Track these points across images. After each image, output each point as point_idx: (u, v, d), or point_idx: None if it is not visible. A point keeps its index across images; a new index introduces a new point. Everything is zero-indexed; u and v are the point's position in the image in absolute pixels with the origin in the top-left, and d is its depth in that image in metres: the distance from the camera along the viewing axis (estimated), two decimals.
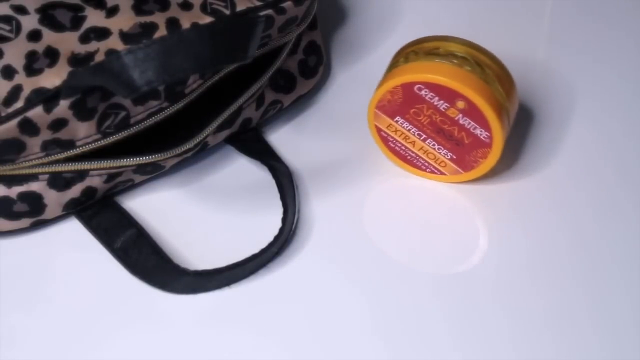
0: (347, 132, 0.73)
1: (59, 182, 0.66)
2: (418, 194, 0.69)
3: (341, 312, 0.63)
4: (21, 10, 0.65)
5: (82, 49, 0.64)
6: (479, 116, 0.65)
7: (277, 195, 0.69)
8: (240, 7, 0.67)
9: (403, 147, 0.68)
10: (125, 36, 0.64)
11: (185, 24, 0.66)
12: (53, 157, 0.64)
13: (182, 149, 0.68)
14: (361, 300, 0.64)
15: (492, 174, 0.70)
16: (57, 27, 0.65)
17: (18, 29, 0.65)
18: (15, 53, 0.63)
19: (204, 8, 0.66)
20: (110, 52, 0.64)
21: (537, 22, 0.80)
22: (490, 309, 0.63)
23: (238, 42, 0.59)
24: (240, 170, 0.71)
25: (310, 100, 0.76)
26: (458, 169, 0.68)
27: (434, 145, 0.67)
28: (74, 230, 0.68)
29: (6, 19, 0.65)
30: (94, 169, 0.66)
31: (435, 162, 0.68)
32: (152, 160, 0.67)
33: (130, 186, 0.70)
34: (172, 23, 0.65)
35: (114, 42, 0.64)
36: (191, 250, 0.67)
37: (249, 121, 0.71)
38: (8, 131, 0.62)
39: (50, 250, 0.67)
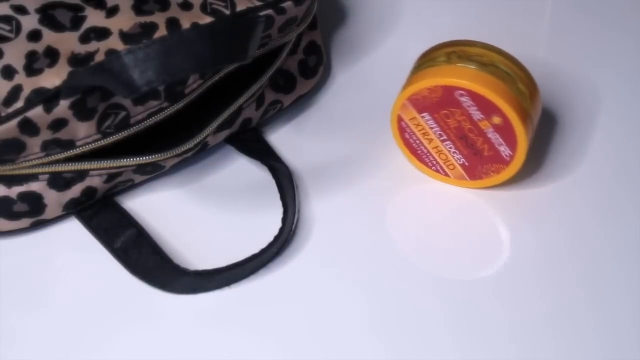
0: (347, 132, 0.73)
1: (59, 182, 0.66)
2: (421, 194, 0.69)
3: (341, 313, 0.63)
4: (21, 10, 0.65)
5: (82, 49, 0.64)
6: (509, 136, 0.65)
7: (277, 195, 0.69)
8: (240, 7, 0.67)
9: (417, 142, 0.67)
10: (125, 36, 0.64)
11: (185, 24, 0.66)
12: (53, 157, 0.64)
13: (182, 149, 0.67)
14: (361, 300, 0.64)
15: (513, 180, 0.69)
16: (57, 27, 0.65)
17: (18, 29, 0.65)
18: (15, 53, 0.63)
19: (204, 8, 0.66)
20: (111, 52, 0.64)
21: (537, 21, 0.80)
22: (494, 315, 0.63)
23: (238, 42, 0.59)
24: (240, 170, 0.71)
25: (310, 100, 0.76)
26: (465, 175, 0.68)
27: (450, 147, 0.67)
28: (74, 230, 0.68)
29: (6, 19, 0.65)
30: (94, 169, 0.66)
31: (444, 163, 0.68)
32: (152, 160, 0.67)
33: (130, 186, 0.70)
34: (172, 23, 0.65)
35: (114, 42, 0.64)
36: (191, 250, 0.67)
37: (249, 121, 0.71)
38: (8, 131, 0.62)
39: (50, 250, 0.67)
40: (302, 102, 0.75)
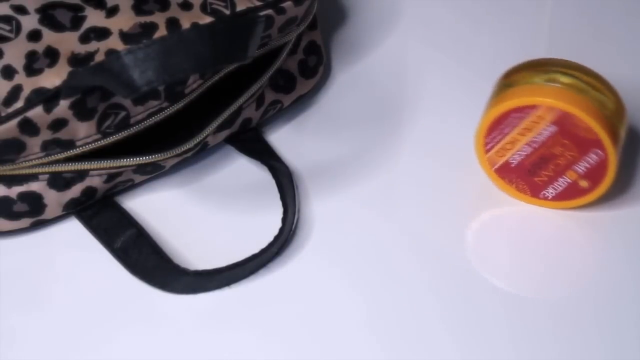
0: (347, 132, 0.73)
1: (59, 182, 0.66)
2: (422, 194, 0.69)
3: (340, 313, 0.63)
4: (21, 10, 0.65)
5: (82, 49, 0.64)
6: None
7: (277, 195, 0.69)
8: (240, 7, 0.67)
9: (505, 133, 0.65)
10: (125, 36, 0.64)
11: (185, 24, 0.65)
12: (53, 157, 0.64)
13: (182, 149, 0.67)
14: (360, 300, 0.64)
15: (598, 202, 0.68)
16: (57, 27, 0.65)
17: (18, 29, 0.65)
18: (15, 53, 0.63)
19: (204, 8, 0.66)
20: (110, 52, 0.64)
21: (537, 21, 0.80)
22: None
23: (238, 42, 0.59)
24: (240, 170, 0.71)
25: (310, 100, 0.76)
26: (523, 191, 0.67)
27: (523, 151, 0.66)
28: (74, 230, 0.68)
29: (6, 19, 0.65)
30: (94, 169, 0.66)
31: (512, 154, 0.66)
32: (152, 160, 0.67)
33: (130, 186, 0.70)
34: (172, 23, 0.65)
35: (114, 42, 0.64)
36: (191, 250, 0.67)
37: (249, 121, 0.71)
38: (8, 131, 0.62)
39: (50, 250, 0.67)
40: (302, 102, 0.75)
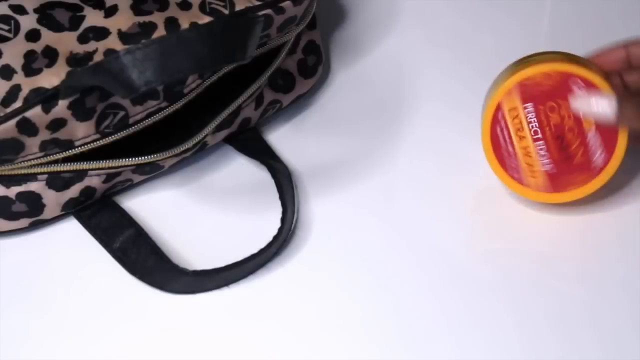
0: (346, 131, 0.73)
1: (57, 182, 0.66)
2: (420, 194, 0.69)
3: (340, 312, 0.63)
4: (20, 9, 0.65)
5: (81, 48, 0.64)
6: (610, 140, 0.63)
7: (276, 195, 0.69)
8: (239, 7, 0.67)
9: (506, 139, 0.63)
10: (124, 36, 0.64)
11: (184, 23, 0.65)
12: (52, 157, 0.64)
13: (181, 149, 0.67)
14: (359, 300, 0.64)
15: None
16: (55, 27, 0.65)
17: (17, 28, 0.64)
18: (14, 53, 0.63)
19: (202, 8, 0.66)
20: (109, 52, 0.64)
21: (536, 20, 0.80)
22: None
23: (237, 42, 0.59)
24: (240, 170, 0.71)
25: (310, 99, 0.76)
26: (547, 185, 0.64)
27: (541, 149, 0.63)
28: (73, 230, 0.68)
29: (5, 19, 0.65)
30: (92, 169, 0.66)
31: (528, 168, 0.64)
32: (151, 160, 0.67)
33: (129, 186, 0.70)
34: (171, 23, 0.65)
35: (113, 42, 0.64)
36: (190, 250, 0.67)
37: (248, 121, 0.71)
38: (7, 131, 0.62)
39: (49, 250, 0.67)
40: (301, 102, 0.75)
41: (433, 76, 0.76)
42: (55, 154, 0.64)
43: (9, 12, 0.65)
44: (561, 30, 0.80)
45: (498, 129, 0.64)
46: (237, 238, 0.67)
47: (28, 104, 0.62)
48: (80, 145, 0.65)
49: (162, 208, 0.69)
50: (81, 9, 0.65)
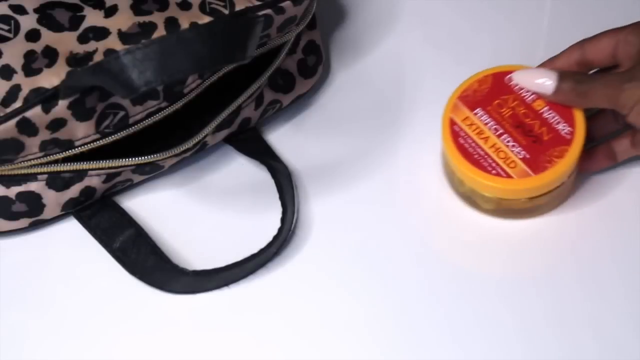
0: (346, 131, 0.73)
1: (57, 182, 0.66)
2: (420, 193, 0.69)
3: (339, 312, 0.63)
4: (20, 9, 0.65)
5: (81, 48, 0.64)
6: (564, 110, 0.65)
7: (276, 195, 0.69)
8: (239, 7, 0.67)
9: (473, 144, 0.65)
10: (124, 36, 0.64)
11: (184, 23, 0.65)
12: (52, 157, 0.64)
13: (181, 149, 0.67)
14: (359, 300, 0.64)
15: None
16: (55, 27, 0.65)
17: (17, 28, 0.64)
18: (14, 53, 0.63)
19: (202, 8, 0.66)
20: (109, 52, 0.64)
21: (536, 20, 0.80)
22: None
23: (237, 42, 0.59)
24: (240, 170, 0.71)
25: (310, 100, 0.76)
26: (528, 170, 0.64)
27: (508, 141, 0.65)
28: (72, 230, 0.68)
29: (5, 19, 0.65)
30: (92, 169, 0.66)
31: (504, 162, 0.64)
32: (151, 160, 0.67)
33: (129, 186, 0.70)
34: (171, 23, 0.65)
35: (113, 42, 0.64)
36: (190, 250, 0.67)
37: (248, 121, 0.71)
38: (6, 131, 0.62)
39: (49, 251, 0.67)
40: (301, 102, 0.75)
41: (433, 76, 0.76)
42: (55, 154, 0.64)
43: (9, 12, 0.65)
44: (561, 31, 0.80)
45: (461, 140, 0.65)
46: (237, 238, 0.67)
47: (28, 104, 0.62)
48: (80, 145, 0.65)
49: (162, 208, 0.69)
50: (81, 9, 0.65)
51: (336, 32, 0.80)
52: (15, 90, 0.62)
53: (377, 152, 0.72)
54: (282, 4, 0.67)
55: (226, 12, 0.67)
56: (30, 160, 0.64)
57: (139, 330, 0.63)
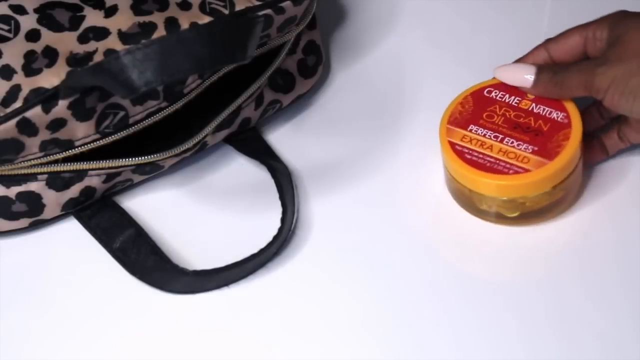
0: (346, 131, 0.73)
1: (57, 182, 0.66)
2: (420, 193, 0.69)
3: (340, 312, 0.63)
4: (20, 10, 0.65)
5: (81, 48, 0.64)
6: (551, 101, 0.67)
7: (276, 195, 0.69)
8: (239, 7, 0.67)
9: (481, 155, 0.65)
10: (124, 36, 0.64)
11: (184, 23, 0.65)
12: (52, 157, 0.64)
13: (181, 149, 0.67)
14: (360, 300, 0.64)
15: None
16: (55, 27, 0.65)
17: (17, 28, 0.64)
18: (14, 53, 0.63)
19: (202, 8, 0.66)
20: (109, 52, 0.64)
21: (536, 20, 0.80)
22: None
23: (237, 42, 0.59)
24: (240, 170, 0.71)
25: (310, 100, 0.76)
26: (542, 159, 0.65)
27: (512, 143, 0.66)
28: (72, 230, 0.68)
29: (5, 19, 0.65)
30: (92, 169, 0.66)
31: (517, 160, 0.65)
32: (151, 160, 0.67)
33: (129, 186, 0.70)
34: (171, 23, 0.65)
35: (113, 42, 0.64)
36: (190, 250, 0.67)
37: (248, 121, 0.71)
38: (7, 131, 0.62)
39: (49, 250, 0.67)
40: (301, 102, 0.75)
41: (433, 76, 0.76)
42: (55, 154, 0.64)
43: (9, 12, 0.65)
44: (561, 31, 0.80)
45: (467, 156, 0.66)
46: (237, 238, 0.67)
47: (28, 104, 0.62)
48: (80, 145, 0.65)
49: (162, 208, 0.69)
50: (81, 9, 0.65)
51: (336, 32, 0.80)
52: (15, 90, 0.62)
53: (377, 152, 0.72)
54: (282, 4, 0.67)
55: (226, 12, 0.67)
56: (30, 160, 0.64)
57: (139, 330, 0.63)
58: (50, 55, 0.63)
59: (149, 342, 0.62)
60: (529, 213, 0.66)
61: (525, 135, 0.66)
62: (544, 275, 0.65)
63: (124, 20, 0.65)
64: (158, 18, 0.65)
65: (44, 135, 0.63)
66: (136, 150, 0.67)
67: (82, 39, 0.64)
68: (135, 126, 0.66)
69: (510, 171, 0.64)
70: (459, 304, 0.63)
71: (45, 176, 0.65)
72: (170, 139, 0.68)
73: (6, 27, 0.64)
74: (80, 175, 0.66)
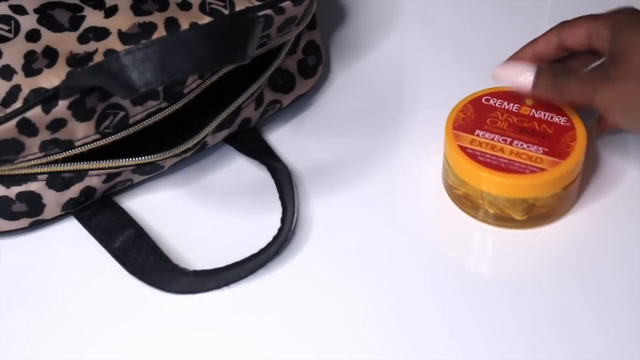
0: (346, 131, 0.73)
1: (57, 182, 0.66)
2: (419, 193, 0.69)
3: (339, 312, 0.63)
4: (20, 10, 0.65)
5: (81, 49, 0.64)
6: (549, 106, 0.67)
7: (276, 195, 0.69)
8: (239, 7, 0.67)
9: (494, 157, 0.66)
10: (124, 36, 0.64)
11: (184, 24, 0.65)
12: (52, 157, 0.64)
13: (181, 149, 0.67)
14: (359, 300, 0.64)
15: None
16: (55, 27, 0.65)
17: (17, 28, 0.64)
18: (14, 53, 0.63)
19: (202, 8, 0.66)
20: (109, 53, 0.64)
21: (536, 21, 0.80)
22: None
23: (237, 42, 0.59)
24: (240, 170, 0.71)
25: (310, 100, 0.76)
26: (556, 159, 0.65)
27: (522, 145, 0.66)
28: (72, 230, 0.68)
29: (5, 19, 0.65)
30: (92, 169, 0.66)
31: (530, 160, 0.65)
32: (151, 160, 0.67)
33: (129, 186, 0.70)
34: (171, 23, 0.65)
35: (113, 42, 0.64)
36: (190, 250, 0.67)
37: (248, 121, 0.71)
38: (7, 131, 0.62)
39: (49, 251, 0.67)
40: (301, 102, 0.75)
41: (433, 76, 0.77)
42: (55, 154, 0.64)
43: (9, 12, 0.65)
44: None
45: (480, 158, 0.66)
46: (237, 238, 0.67)
47: (28, 104, 0.62)
48: (80, 146, 0.65)
49: (162, 208, 0.69)
50: (81, 9, 0.65)
51: (336, 32, 0.80)
52: (15, 90, 0.62)
53: (377, 152, 0.72)
54: (282, 4, 0.67)
55: (226, 12, 0.67)
56: (30, 160, 0.64)
57: (139, 330, 0.63)
58: (51, 55, 0.63)
59: (149, 342, 0.62)
60: (535, 217, 0.66)
61: (533, 138, 0.66)
62: (544, 275, 0.65)
63: (124, 20, 0.65)
64: (158, 18, 0.65)
65: (44, 135, 0.63)
66: (136, 150, 0.67)
67: (82, 39, 0.64)
68: (135, 126, 0.66)
69: (527, 170, 0.65)
70: (459, 304, 0.63)
71: (45, 176, 0.65)
72: (170, 139, 0.68)
73: (6, 28, 0.64)
74: (81, 175, 0.66)
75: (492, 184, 0.65)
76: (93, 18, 0.65)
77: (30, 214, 0.66)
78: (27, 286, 0.65)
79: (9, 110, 0.62)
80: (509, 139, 0.66)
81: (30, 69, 0.63)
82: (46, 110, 0.62)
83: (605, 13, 0.66)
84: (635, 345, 0.61)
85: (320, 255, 0.66)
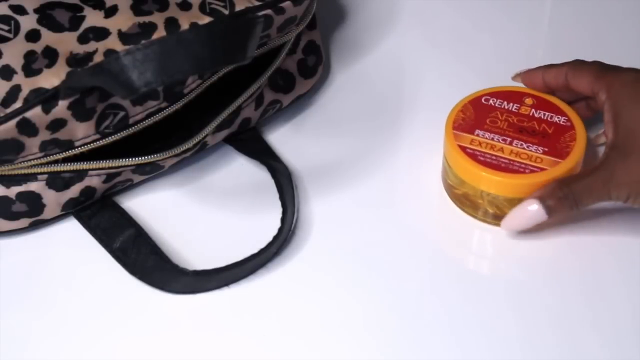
0: (346, 131, 0.73)
1: (57, 182, 0.66)
2: (419, 193, 0.69)
3: (340, 313, 0.63)
4: (20, 10, 0.65)
5: (81, 49, 0.64)
6: (549, 106, 0.68)
7: (276, 195, 0.69)
8: (239, 7, 0.67)
9: (494, 157, 0.66)
10: (124, 36, 0.64)
11: (184, 24, 0.65)
12: (52, 157, 0.64)
13: (181, 149, 0.67)
14: (360, 300, 0.64)
15: None
16: (55, 27, 0.65)
17: (17, 29, 0.65)
18: (14, 53, 0.63)
19: (202, 8, 0.66)
20: (109, 53, 0.64)
21: (536, 21, 0.80)
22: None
23: (237, 42, 0.59)
24: (240, 170, 0.71)
25: (310, 100, 0.76)
26: (556, 159, 0.65)
27: (522, 145, 0.66)
28: (72, 230, 0.68)
29: (5, 19, 0.65)
30: (92, 169, 0.66)
31: (530, 160, 0.65)
32: (151, 160, 0.67)
33: (129, 186, 0.70)
34: (171, 23, 0.65)
35: (113, 43, 0.64)
36: (190, 250, 0.67)
37: (248, 121, 0.71)
38: (7, 132, 0.62)
39: (49, 251, 0.67)
40: (301, 102, 0.75)
41: (433, 76, 0.77)
42: (55, 154, 0.64)
43: (9, 13, 0.65)
44: (561, 31, 0.80)
45: (480, 158, 0.66)
46: (237, 238, 0.67)
47: (28, 105, 0.62)
48: (80, 146, 0.65)
49: (162, 208, 0.69)
50: (81, 9, 0.66)
51: (336, 32, 0.80)
52: (15, 90, 0.62)
53: (377, 153, 0.72)
54: (282, 4, 0.67)
55: (226, 12, 0.67)
56: (30, 160, 0.64)
57: (139, 330, 0.63)
58: (50, 55, 0.63)
59: (149, 342, 0.62)
60: None
61: (533, 138, 0.66)
62: (543, 275, 0.65)
63: (124, 20, 0.65)
64: (158, 18, 0.65)
65: (44, 135, 0.63)
66: (136, 150, 0.67)
67: (82, 39, 0.64)
68: (135, 126, 0.66)
69: (527, 170, 0.65)
70: (458, 304, 0.63)
71: (45, 176, 0.65)
72: (170, 139, 0.68)
73: (6, 28, 0.64)
74: (80, 175, 0.66)
75: (491, 184, 0.65)
76: (93, 18, 0.65)
77: (30, 214, 0.66)
78: (27, 286, 0.65)
79: (8, 110, 0.62)
80: (509, 139, 0.66)
81: (30, 69, 0.63)
82: (46, 110, 0.62)
83: (609, 72, 0.65)
84: (635, 345, 0.61)
85: (320, 255, 0.66)
